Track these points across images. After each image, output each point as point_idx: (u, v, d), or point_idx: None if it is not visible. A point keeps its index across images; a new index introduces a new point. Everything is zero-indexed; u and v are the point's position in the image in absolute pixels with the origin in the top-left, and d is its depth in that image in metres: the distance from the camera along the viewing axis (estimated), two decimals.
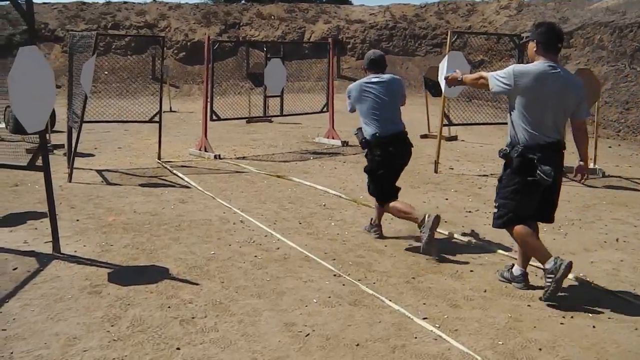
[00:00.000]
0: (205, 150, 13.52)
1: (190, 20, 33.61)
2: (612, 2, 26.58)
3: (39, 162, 7.01)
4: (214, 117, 13.80)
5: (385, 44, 33.99)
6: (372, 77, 7.51)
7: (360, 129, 7.64)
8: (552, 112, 5.54)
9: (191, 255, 6.99)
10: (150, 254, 7.04)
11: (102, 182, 11.02)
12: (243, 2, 40.69)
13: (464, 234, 8.01)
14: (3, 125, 18.25)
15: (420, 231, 7.03)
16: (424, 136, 16.70)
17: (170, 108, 23.05)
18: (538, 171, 5.44)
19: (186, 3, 34.51)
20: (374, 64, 7.59)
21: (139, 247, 7.30)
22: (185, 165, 12.52)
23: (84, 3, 33.73)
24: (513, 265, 6.30)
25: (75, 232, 7.90)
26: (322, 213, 8.99)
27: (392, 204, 7.44)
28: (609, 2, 26.86)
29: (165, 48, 32.67)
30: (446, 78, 6.54)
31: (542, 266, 5.80)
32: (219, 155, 13.29)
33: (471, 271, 6.69)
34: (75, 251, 7.13)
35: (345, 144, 15.26)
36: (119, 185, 10.73)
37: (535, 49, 5.64)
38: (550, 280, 5.56)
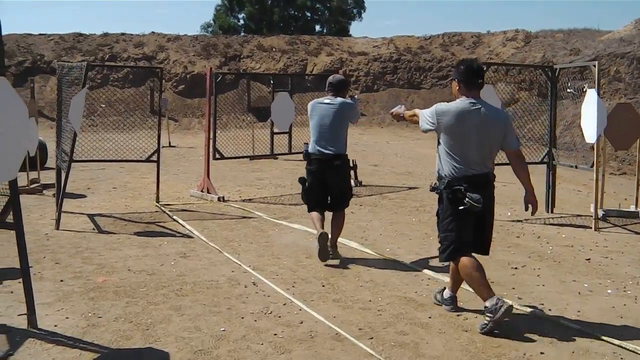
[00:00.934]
0: (208, 192, 12.23)
1: (189, 52, 32.50)
2: (625, 32, 25.46)
3: (10, 217, 5.68)
4: (217, 156, 12.53)
5: (389, 77, 32.92)
6: (326, 98, 8.10)
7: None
8: (475, 146, 5.71)
9: (196, 333, 5.64)
10: (147, 331, 5.69)
11: (94, 229, 9.74)
12: (243, 34, 39.65)
13: (525, 306, 6.55)
14: None
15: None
16: None
17: (170, 143, 21.82)
18: (467, 199, 5.59)
19: (185, 35, 33.32)
20: (331, 86, 8.13)
21: (132, 319, 5.96)
22: (186, 209, 11.24)
23: (81, 34, 32.62)
24: (444, 288, 6.41)
25: (58, 298, 6.58)
26: (347, 271, 7.68)
27: (313, 213, 8.12)
28: (621, 32, 25.74)
29: (164, 80, 31.80)
30: (391, 113, 6.75)
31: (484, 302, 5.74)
32: (223, 198, 12.00)
33: (541, 353, 5.35)
34: (56, 325, 5.80)
35: (359, 184, 13.99)
36: (113, 233, 9.44)
37: (458, 88, 5.89)
38: (489, 319, 5.61)
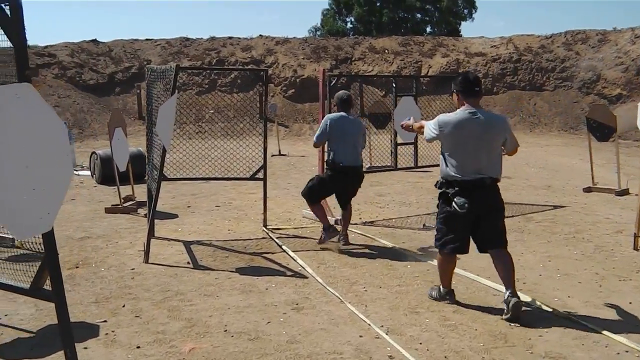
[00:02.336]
0: None
1: (299, 55, 30.84)
2: None
3: (48, 284, 3.94)
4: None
5: (509, 78, 30.44)
6: (349, 114, 8.82)
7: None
8: (474, 154, 5.96)
9: None
10: None
11: (188, 263, 8.00)
12: (354, 35, 37.80)
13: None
14: (88, 172, 15.78)
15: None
16: (587, 189, 13.09)
17: (280, 151, 20.13)
18: (453, 203, 5.96)
19: (294, 38, 31.72)
20: (346, 103, 8.85)
21: None
22: (298, 235, 9.40)
23: (187, 39, 31.41)
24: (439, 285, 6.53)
25: None
26: (512, 335, 5.62)
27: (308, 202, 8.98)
28: None
29: (273, 85, 30.31)
30: (401, 125, 7.18)
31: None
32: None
33: None
34: None
35: None
36: (210, 270, 7.68)
37: (457, 99, 6.13)
38: (435, 294, 6.50)
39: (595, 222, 10.25)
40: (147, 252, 8.08)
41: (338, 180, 8.67)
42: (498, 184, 6.16)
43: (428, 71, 30.23)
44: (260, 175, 9.70)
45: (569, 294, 6.75)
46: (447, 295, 6.41)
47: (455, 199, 5.93)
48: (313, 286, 7.00)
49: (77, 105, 26.29)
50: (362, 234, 9.46)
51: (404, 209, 11.47)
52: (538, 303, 6.39)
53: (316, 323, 5.88)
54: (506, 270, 6.12)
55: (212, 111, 26.67)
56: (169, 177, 9.61)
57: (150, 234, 8.23)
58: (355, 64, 31.00)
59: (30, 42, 30.07)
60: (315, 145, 9.15)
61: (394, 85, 11.23)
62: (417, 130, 6.85)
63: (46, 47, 28.97)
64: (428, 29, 50.36)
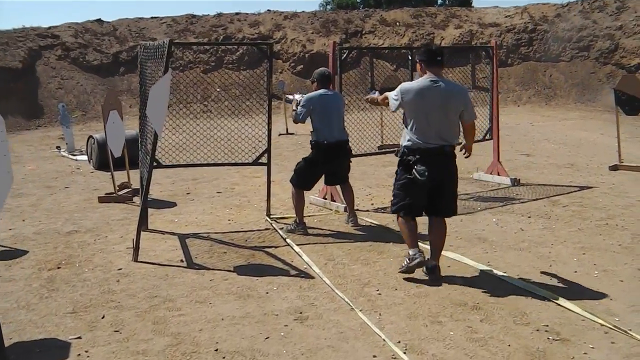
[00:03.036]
0: (332, 200, 9.44)
1: (307, 29, 29.83)
2: None
3: None
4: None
5: (524, 49, 29.37)
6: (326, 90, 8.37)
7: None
8: (434, 121, 6.07)
9: None
10: None
11: (182, 261, 7.15)
12: (365, 8, 36.68)
13: None
14: (85, 157, 14.92)
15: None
16: (613, 167, 12.12)
17: (287, 130, 19.16)
18: (413, 170, 6.04)
19: (303, 12, 30.66)
20: (327, 79, 8.46)
21: None
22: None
23: (194, 16, 30.40)
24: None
25: None
26: (553, 350, 4.73)
27: (297, 190, 8.34)
28: None
29: (281, 61, 29.34)
30: (367, 99, 7.31)
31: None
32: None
33: None
34: None
35: (516, 182, 10.94)
36: (205, 269, 6.84)
37: (420, 68, 6.24)
38: (405, 263, 6.37)
39: (628, 205, 9.31)
40: (136, 249, 7.23)
41: (326, 159, 8.25)
42: (455, 151, 6.32)
43: (441, 43, 29.12)
44: (264, 159, 8.80)
45: (611, 296, 5.84)
46: (417, 254, 6.29)
47: (415, 167, 6.01)
48: (320, 289, 6.13)
49: (80, 87, 25.47)
50: (375, 224, 8.57)
51: None
52: (578, 310, 5.47)
53: (322, 338, 5.01)
54: (439, 240, 6.49)
55: (218, 89, 25.73)
56: (164, 163, 8.72)
57: (140, 227, 7.36)
58: (365, 37, 29.96)
59: (33, 24, 29.22)
60: (295, 122, 8.46)
61: (410, 58, 10.27)
62: (382, 102, 6.83)
63: (49, 28, 28.07)
64: (439, 2, 49.05)
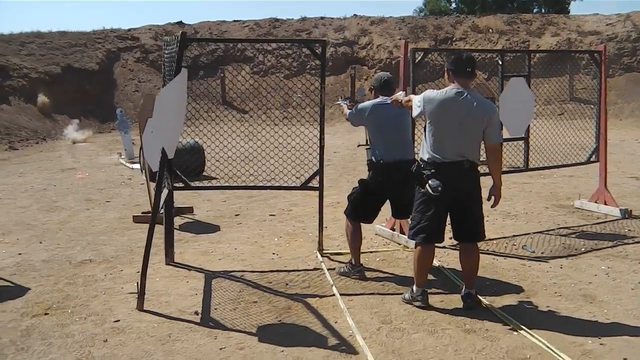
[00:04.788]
0: (402, 232, 7.62)
1: (395, 35, 28.02)
2: None
3: None
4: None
5: (627, 59, 26.84)
6: (386, 99, 6.45)
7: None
8: (454, 135, 5.42)
9: None
10: None
11: (197, 313, 5.50)
12: (456, 14, 34.58)
13: None
14: (138, 166, 13.46)
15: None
16: None
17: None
18: (426, 185, 5.40)
19: (390, 17, 28.85)
20: (387, 85, 6.62)
21: None
22: (363, 267, 6.66)
23: (277, 20, 29.03)
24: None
25: None
26: None
27: (352, 223, 6.56)
28: None
29: (366, 67, 27.66)
30: (390, 100, 6.28)
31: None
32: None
33: None
34: None
35: (627, 214, 8.89)
36: (221, 329, 5.14)
37: (447, 77, 5.60)
38: (407, 298, 5.69)
39: None
40: (141, 295, 5.60)
41: (383, 183, 6.44)
42: (479, 171, 5.65)
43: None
44: (315, 183, 7.05)
45: None
46: (420, 295, 5.63)
47: (429, 181, 5.40)
48: None
49: (157, 90, 24.31)
50: (447, 271, 6.69)
51: (508, 224, 8.61)
52: None
53: None
54: (471, 269, 5.70)
55: (299, 95, 24.18)
56: (192, 184, 7.10)
57: (146, 267, 5.68)
58: (456, 44, 27.96)
59: (113, 25, 28.40)
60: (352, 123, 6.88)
61: (500, 64, 8.35)
62: (405, 105, 6.02)
63: (129, 30, 27.17)
64: (535, 10, 46.47)
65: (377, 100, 6.55)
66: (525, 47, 27.16)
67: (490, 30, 28.63)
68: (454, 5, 48.55)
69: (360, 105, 6.65)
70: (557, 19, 30.04)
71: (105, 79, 24.31)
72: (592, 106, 9.74)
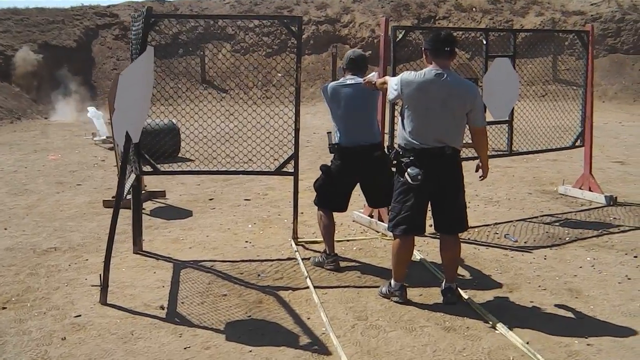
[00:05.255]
0: (380, 219, 7.33)
1: (377, 13, 27.53)
2: None
3: None
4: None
5: (611, 40, 26.53)
6: (348, 79, 6.04)
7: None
8: (434, 120, 5.11)
9: None
10: None
11: (162, 307, 5.19)
12: None
13: None
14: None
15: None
16: None
17: None
18: (405, 174, 5.06)
19: None
20: (353, 63, 6.11)
21: None
22: (340, 256, 6.36)
23: None
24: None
25: None
26: None
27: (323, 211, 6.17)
28: None
29: (348, 46, 27.21)
30: (363, 81, 5.85)
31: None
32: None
33: None
34: None
35: (612, 201, 8.65)
36: (187, 325, 4.85)
37: (425, 57, 5.27)
38: (383, 292, 5.38)
39: None
40: (104, 289, 5.29)
41: (345, 169, 6.03)
42: (460, 156, 5.40)
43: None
44: (290, 168, 6.74)
45: None
46: (398, 290, 5.31)
47: (408, 169, 5.05)
48: None
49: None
50: (427, 264, 6.41)
51: (490, 210, 8.34)
52: None
53: None
54: (453, 262, 5.41)
55: (280, 74, 23.76)
56: (162, 169, 6.78)
57: (109, 259, 5.36)
58: (439, 23, 27.49)
59: (92, 2, 27.80)
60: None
61: (485, 43, 8.04)
62: (379, 87, 5.69)
63: (108, 6, 26.62)
64: None
65: (340, 80, 6.16)
66: (509, 27, 26.82)
67: (474, 9, 28.24)
68: None
69: (324, 86, 6.27)
70: None
71: (84, 57, 23.79)
72: (576, 88, 9.50)
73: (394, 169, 5.33)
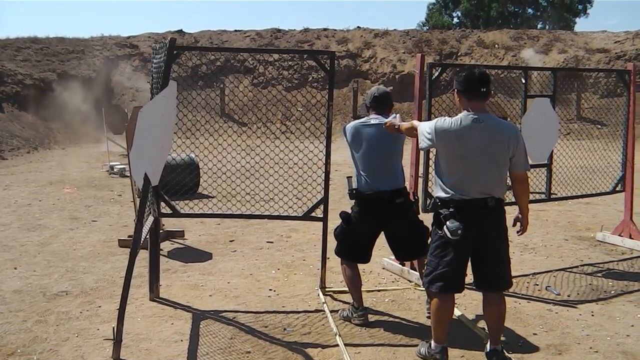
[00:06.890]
0: (412, 268, 6.86)
1: (399, 49, 27.31)
2: None
3: None
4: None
5: (637, 78, 25.94)
6: (371, 119, 5.61)
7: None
8: (475, 169, 4.63)
9: None
10: None
11: None
12: (462, 28, 33.93)
13: None
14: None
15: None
16: None
17: None
18: (444, 227, 4.56)
19: (394, 30, 28.22)
20: (378, 101, 5.68)
21: None
22: (369, 307, 5.89)
23: (279, 30, 28.33)
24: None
25: None
26: None
27: (350, 266, 5.71)
28: None
29: (369, 81, 26.91)
30: (384, 124, 5.40)
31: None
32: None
33: None
34: None
35: None
36: None
37: (459, 100, 4.78)
38: (422, 353, 4.91)
39: None
40: (117, 342, 4.84)
41: (366, 217, 5.56)
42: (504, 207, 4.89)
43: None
44: (319, 212, 6.30)
45: None
46: (439, 353, 4.81)
47: (447, 222, 4.57)
48: None
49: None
50: (469, 323, 5.92)
51: (527, 258, 7.85)
52: None
53: None
54: (498, 322, 4.86)
55: (300, 109, 23.46)
56: (181, 209, 6.35)
57: (123, 311, 4.92)
58: (461, 59, 27.24)
59: (112, 32, 27.73)
60: None
61: (524, 82, 7.62)
62: (405, 132, 5.27)
63: (128, 37, 26.52)
64: (539, 26, 45.92)
65: (362, 119, 5.71)
66: (531, 64, 26.46)
67: (497, 45, 27.95)
68: (456, 20, 48.18)
69: (345, 126, 5.82)
70: (564, 36, 29.36)
71: (103, 87, 23.62)
72: (600, 127, 9.03)
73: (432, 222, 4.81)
